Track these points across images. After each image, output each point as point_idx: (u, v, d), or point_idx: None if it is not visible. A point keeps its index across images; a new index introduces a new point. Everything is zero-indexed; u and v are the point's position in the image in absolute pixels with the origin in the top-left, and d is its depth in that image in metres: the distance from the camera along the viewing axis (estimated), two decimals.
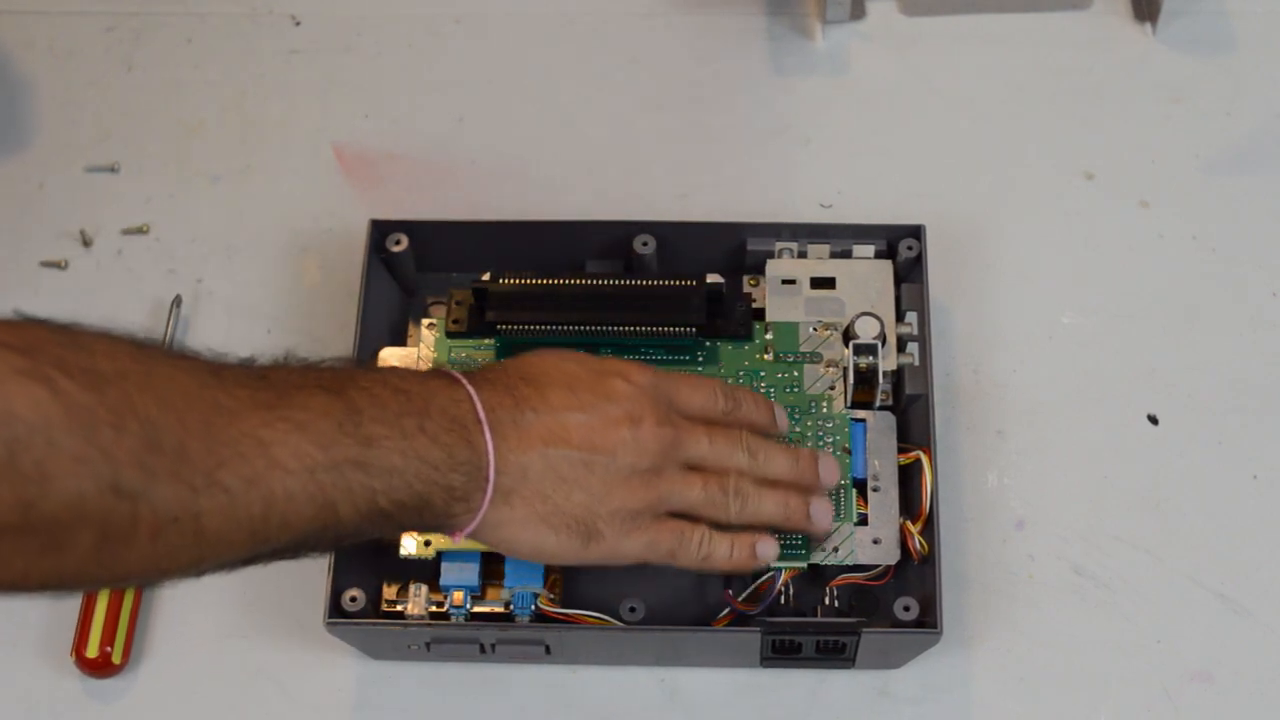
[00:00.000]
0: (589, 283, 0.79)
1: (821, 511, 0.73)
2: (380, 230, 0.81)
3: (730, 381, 0.77)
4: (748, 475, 0.72)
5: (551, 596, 0.75)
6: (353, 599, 0.74)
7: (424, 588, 0.75)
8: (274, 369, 0.63)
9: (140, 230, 0.89)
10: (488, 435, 0.65)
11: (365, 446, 0.62)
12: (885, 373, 0.77)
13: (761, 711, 0.77)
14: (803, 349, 0.79)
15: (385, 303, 0.82)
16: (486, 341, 0.80)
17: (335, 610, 0.73)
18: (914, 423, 0.77)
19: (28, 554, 0.54)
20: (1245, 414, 0.82)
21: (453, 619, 0.75)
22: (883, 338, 0.77)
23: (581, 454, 0.67)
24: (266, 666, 0.78)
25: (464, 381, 0.66)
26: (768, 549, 0.72)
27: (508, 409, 0.67)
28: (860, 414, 0.77)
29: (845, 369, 0.77)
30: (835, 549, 0.75)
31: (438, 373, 0.67)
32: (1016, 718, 0.76)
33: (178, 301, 0.86)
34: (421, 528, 0.71)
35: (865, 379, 0.77)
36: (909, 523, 0.75)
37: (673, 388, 0.72)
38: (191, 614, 0.79)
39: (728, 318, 0.79)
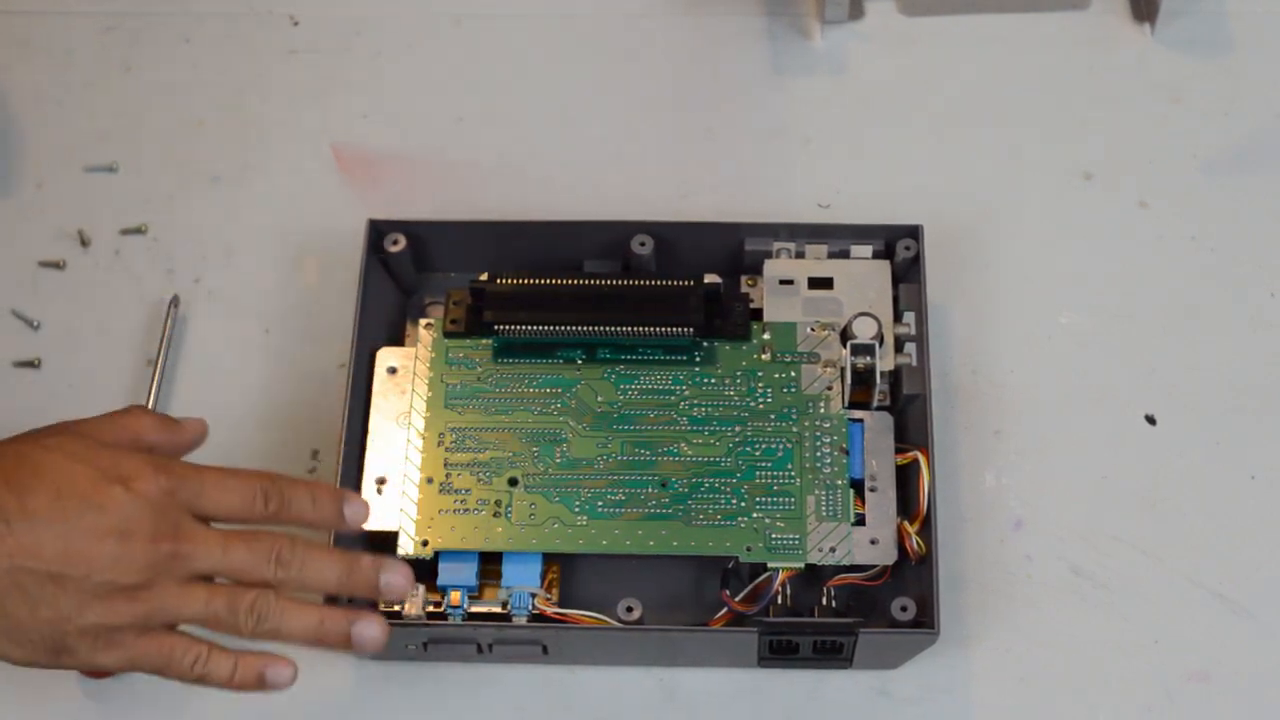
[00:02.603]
0: (587, 283, 0.79)
1: (369, 634, 0.67)
2: (378, 230, 0.81)
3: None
4: (275, 589, 0.66)
5: (549, 597, 0.75)
6: (349, 599, 0.74)
7: (421, 588, 0.75)
8: None
9: (138, 230, 0.89)
10: None
11: None
12: (883, 373, 0.77)
13: (759, 711, 0.76)
14: (800, 349, 0.79)
15: (383, 303, 0.82)
16: (484, 342, 0.80)
17: None
18: (912, 423, 0.77)
19: None
20: (1244, 414, 0.82)
21: (450, 619, 0.75)
22: (880, 338, 0.77)
23: (51, 569, 0.63)
24: None
25: None
26: (279, 674, 0.67)
27: None
28: (858, 414, 0.77)
29: (843, 369, 0.77)
30: (833, 549, 0.75)
31: None
32: (1015, 718, 0.76)
33: (175, 301, 0.86)
34: None
35: (863, 379, 0.77)
36: (906, 523, 0.75)
37: (196, 492, 0.66)
38: None
39: (725, 318, 0.79)
